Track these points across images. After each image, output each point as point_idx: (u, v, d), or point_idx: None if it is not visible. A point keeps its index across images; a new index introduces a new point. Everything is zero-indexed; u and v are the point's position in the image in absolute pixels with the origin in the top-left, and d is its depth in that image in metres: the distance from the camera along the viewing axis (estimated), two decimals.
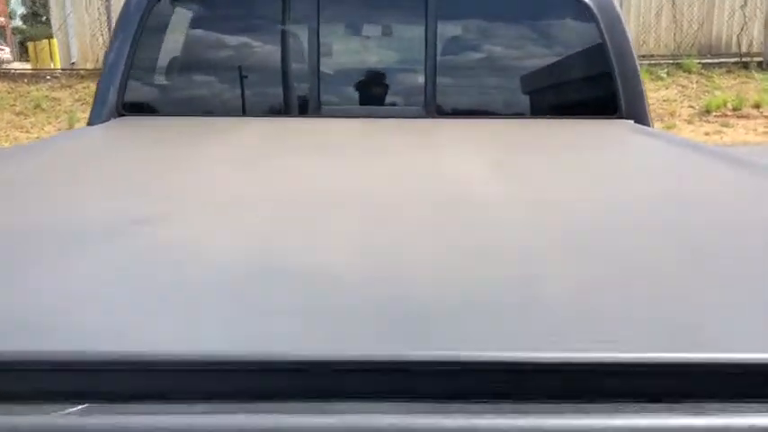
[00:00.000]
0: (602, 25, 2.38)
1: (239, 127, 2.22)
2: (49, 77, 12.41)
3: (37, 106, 11.33)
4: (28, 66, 14.20)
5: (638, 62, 2.49)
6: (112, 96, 2.43)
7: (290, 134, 2.10)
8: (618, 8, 2.47)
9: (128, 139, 2.24)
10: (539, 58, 2.46)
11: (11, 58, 18.95)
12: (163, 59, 2.50)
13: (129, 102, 2.43)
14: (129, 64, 2.42)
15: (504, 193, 1.37)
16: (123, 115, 2.43)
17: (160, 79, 2.54)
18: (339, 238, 1.05)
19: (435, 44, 2.35)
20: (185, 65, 2.52)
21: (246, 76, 2.49)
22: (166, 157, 1.77)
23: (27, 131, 10.67)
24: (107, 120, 2.42)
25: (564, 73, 2.45)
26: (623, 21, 2.47)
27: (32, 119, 11.12)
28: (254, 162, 1.67)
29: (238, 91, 2.50)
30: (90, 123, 2.48)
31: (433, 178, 1.48)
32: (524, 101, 2.47)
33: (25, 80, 12.65)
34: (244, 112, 2.45)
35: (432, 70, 2.36)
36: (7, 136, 10.50)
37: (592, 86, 2.45)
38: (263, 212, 1.23)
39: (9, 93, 11.94)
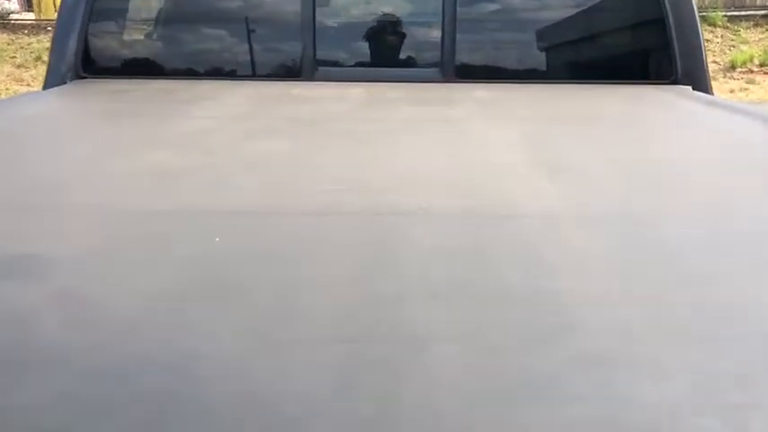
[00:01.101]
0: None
1: (216, 93, 1.83)
2: (50, 28, 11.94)
3: (38, 58, 10.89)
4: (32, 16, 13.63)
5: (700, 26, 2.07)
6: (64, 62, 2.04)
7: (274, 105, 1.71)
8: None
9: (82, 109, 1.86)
10: (585, 17, 2.03)
11: (18, 8, 18.36)
12: (132, 8, 2.09)
13: (85, 66, 2.04)
14: (89, 11, 2.02)
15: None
16: (84, 77, 2.04)
17: (129, 32, 2.14)
18: None
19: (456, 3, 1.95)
20: (160, 16, 2.12)
21: (229, 31, 2.08)
22: (118, 140, 1.40)
23: (28, 84, 10.29)
24: (63, 83, 2.04)
25: (614, 34, 2.05)
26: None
27: (33, 71, 10.71)
28: (219, 149, 1.29)
29: (218, 48, 2.09)
30: (45, 87, 2.10)
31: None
32: (568, 65, 2.07)
33: (26, 31, 12.20)
34: (225, 74, 2.06)
35: (451, 24, 1.95)
36: (7, 90, 10.13)
37: (646, 49, 2.05)
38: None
39: (9, 44, 11.51)
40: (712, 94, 2.12)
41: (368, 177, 1.09)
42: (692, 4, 2.08)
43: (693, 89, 2.04)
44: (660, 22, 2.01)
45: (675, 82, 2.03)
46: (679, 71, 2.04)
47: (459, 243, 0.83)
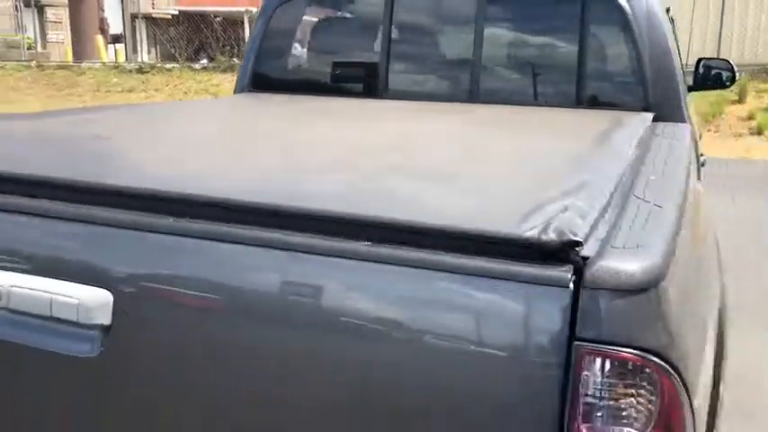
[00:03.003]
0: (636, 30, 2.61)
1: (322, 103, 2.84)
2: None
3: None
4: None
5: (676, 63, 2.66)
6: (244, 81, 3.22)
7: (358, 111, 2.66)
8: (659, 11, 2.67)
9: (248, 104, 2.99)
10: (574, 57, 2.74)
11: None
12: (279, 52, 3.21)
13: (254, 83, 3.20)
14: (257, 56, 3.18)
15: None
16: (252, 91, 3.20)
17: (277, 66, 3.25)
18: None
19: (482, 44, 2.78)
20: (291, 61, 3.22)
21: (339, 68, 3.11)
22: (263, 115, 2.52)
23: None
24: (242, 92, 3.21)
25: (595, 67, 2.71)
26: (663, 25, 2.66)
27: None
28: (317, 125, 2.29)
29: (333, 77, 3.12)
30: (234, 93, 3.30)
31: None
32: (556, 93, 2.77)
33: None
34: (335, 93, 3.07)
35: (478, 65, 2.79)
36: None
37: (623, 81, 2.68)
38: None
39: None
40: (687, 122, 2.66)
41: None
42: (667, 42, 2.66)
43: (666, 119, 2.62)
44: (636, 59, 2.63)
45: (648, 110, 2.63)
46: (651, 101, 2.64)
47: None
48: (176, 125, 2.23)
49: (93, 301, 1.19)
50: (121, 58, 21.26)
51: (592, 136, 2.01)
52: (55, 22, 26.66)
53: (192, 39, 20.52)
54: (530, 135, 2.16)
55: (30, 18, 24.52)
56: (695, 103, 13.27)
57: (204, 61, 18.94)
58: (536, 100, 2.78)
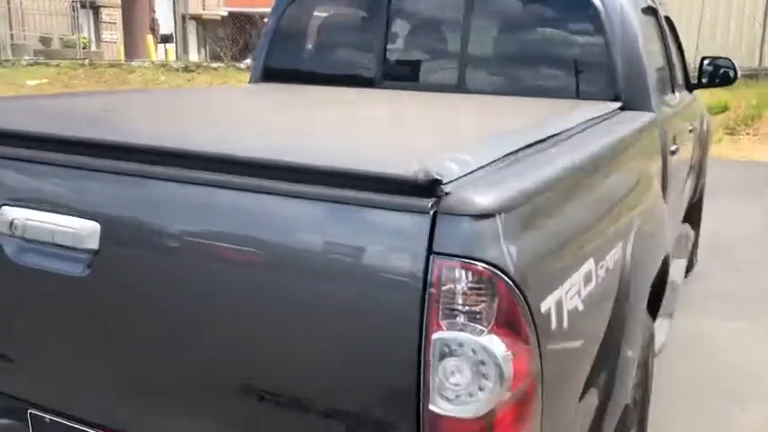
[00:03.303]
0: (608, 28, 2.85)
1: (320, 92, 3.16)
2: None
3: None
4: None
5: (645, 58, 2.89)
6: (257, 73, 3.55)
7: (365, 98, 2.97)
8: (631, 11, 2.90)
9: (265, 92, 3.34)
10: (553, 51, 3.00)
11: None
12: (288, 47, 3.54)
13: (266, 75, 3.53)
14: (268, 50, 3.51)
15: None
16: (263, 81, 3.53)
17: (286, 60, 3.57)
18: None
19: (468, 41, 3.06)
20: (298, 54, 3.54)
21: (340, 61, 3.42)
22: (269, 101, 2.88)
23: None
24: (256, 82, 3.54)
25: (569, 59, 2.96)
26: (634, 23, 2.89)
27: None
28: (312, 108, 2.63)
29: (335, 70, 3.43)
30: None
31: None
32: (533, 85, 3.02)
33: None
34: (336, 83, 3.37)
35: (464, 60, 3.07)
36: None
37: (595, 72, 2.92)
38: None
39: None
40: (652, 111, 2.87)
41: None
42: (637, 39, 2.87)
43: (634, 108, 2.85)
44: (607, 55, 2.87)
45: (617, 100, 2.87)
46: (621, 92, 2.88)
47: None
48: (179, 103, 2.57)
49: (85, 230, 1.51)
50: (171, 58, 21.93)
51: (537, 116, 2.28)
52: (109, 22, 27.59)
53: (237, 39, 21.08)
54: (479, 115, 2.43)
55: (86, 18, 25.44)
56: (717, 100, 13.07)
57: (248, 61, 19.57)
58: (514, 90, 3.03)
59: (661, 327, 3.23)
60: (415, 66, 3.25)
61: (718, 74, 4.69)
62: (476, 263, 1.21)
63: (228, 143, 1.49)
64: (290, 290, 1.34)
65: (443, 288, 1.21)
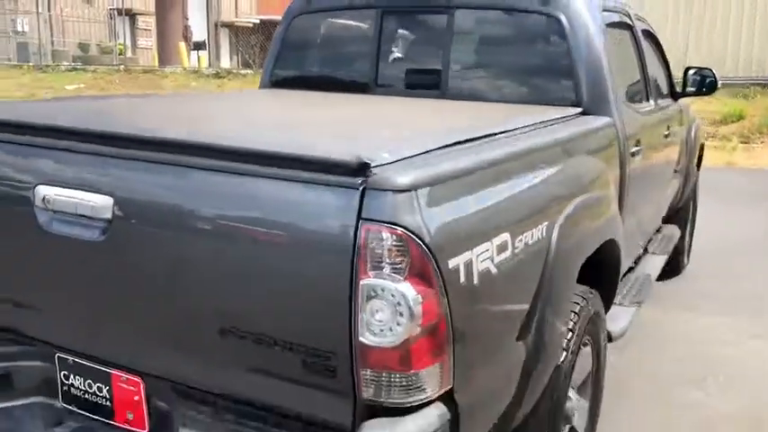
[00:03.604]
0: (572, 42, 3.20)
1: (319, 96, 3.55)
2: None
3: None
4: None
5: (606, 69, 3.22)
6: (266, 79, 3.96)
7: (349, 101, 3.36)
8: (593, 26, 3.24)
9: (266, 95, 3.76)
10: (523, 62, 3.36)
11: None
12: (294, 57, 3.94)
13: (273, 81, 3.94)
14: (272, 66, 3.93)
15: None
16: (270, 87, 3.94)
17: (292, 67, 3.97)
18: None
19: (449, 54, 3.44)
20: (303, 62, 3.94)
21: (339, 69, 3.82)
22: (267, 104, 3.29)
23: None
24: (263, 88, 3.96)
25: (536, 68, 3.32)
26: (596, 38, 3.23)
27: None
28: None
29: (335, 77, 3.82)
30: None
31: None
32: (505, 92, 3.38)
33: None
34: (335, 89, 3.76)
35: (446, 70, 3.44)
36: None
37: (558, 83, 3.27)
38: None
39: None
40: (610, 117, 3.20)
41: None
42: (599, 52, 3.19)
43: (594, 113, 3.19)
44: (570, 66, 3.21)
45: (578, 106, 3.21)
46: (584, 99, 3.21)
47: None
48: (188, 105, 2.98)
49: (101, 204, 1.91)
50: (204, 64, 22.57)
51: (488, 119, 2.64)
52: (144, 29, 28.42)
53: (265, 46, 21.64)
54: (439, 116, 2.81)
55: (122, 26, 26.24)
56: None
57: None
58: (489, 97, 3.39)
59: (623, 313, 3.56)
60: (402, 74, 3.63)
61: (702, 83, 4.99)
62: (394, 227, 1.57)
63: (211, 135, 1.88)
64: (258, 248, 1.72)
65: (369, 246, 1.58)
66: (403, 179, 1.60)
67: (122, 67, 20.83)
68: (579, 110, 3.14)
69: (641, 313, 5.15)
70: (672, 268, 5.79)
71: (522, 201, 2.05)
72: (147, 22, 27.37)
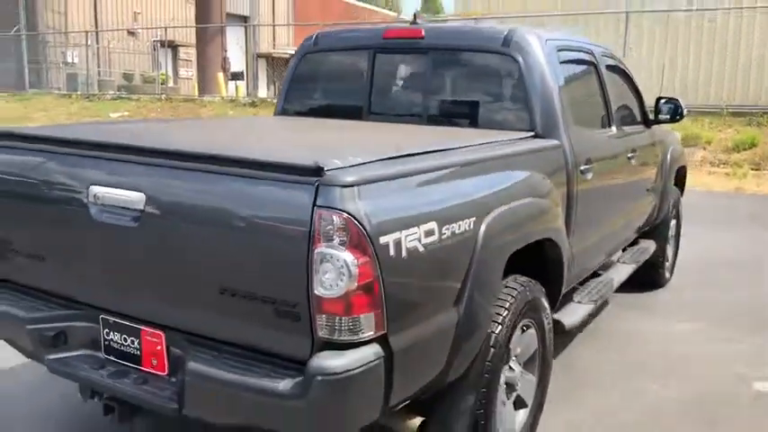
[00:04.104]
0: (526, 77, 3.85)
1: (319, 122, 4.25)
2: None
3: None
4: None
5: (555, 95, 3.86)
6: (279, 107, 4.69)
7: (338, 126, 4.06)
8: (545, 62, 3.89)
9: (273, 120, 4.50)
10: (487, 93, 4.02)
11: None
12: (302, 89, 4.67)
13: (285, 109, 4.67)
14: (284, 96, 4.67)
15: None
16: (282, 114, 4.66)
17: (300, 98, 4.70)
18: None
19: (429, 88, 4.13)
20: (310, 93, 4.66)
21: (335, 99, 4.52)
22: (273, 126, 4.02)
23: None
24: (277, 115, 4.69)
25: (501, 104, 3.99)
26: (546, 72, 3.87)
27: None
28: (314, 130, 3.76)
29: (335, 106, 4.53)
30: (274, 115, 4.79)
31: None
32: (470, 119, 4.04)
33: None
34: (335, 116, 4.46)
35: (427, 101, 4.13)
36: None
37: (515, 112, 3.92)
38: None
39: None
40: (558, 140, 3.82)
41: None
42: (549, 84, 3.83)
43: (544, 137, 3.81)
44: (525, 97, 3.86)
45: (532, 130, 3.84)
46: (537, 125, 3.85)
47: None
48: (208, 127, 3.70)
49: (136, 198, 2.60)
50: (242, 94, 23.62)
51: (442, 140, 3.30)
52: (186, 60, 29.73)
53: None
54: (402, 137, 3.50)
55: (164, 57, 27.54)
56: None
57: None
58: (459, 123, 4.06)
59: (579, 309, 4.16)
60: (390, 104, 4.32)
61: (674, 111, 5.58)
62: (340, 212, 2.23)
63: (214, 148, 2.58)
64: (245, 227, 2.40)
65: (322, 225, 2.24)
66: (346, 179, 2.26)
67: (164, 96, 21.96)
68: (532, 133, 3.78)
69: (623, 316, 5.74)
70: (653, 281, 6.35)
71: (449, 199, 2.69)
72: (189, 53, 28.66)
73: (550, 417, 3.77)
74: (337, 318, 2.27)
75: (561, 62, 4.07)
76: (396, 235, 2.37)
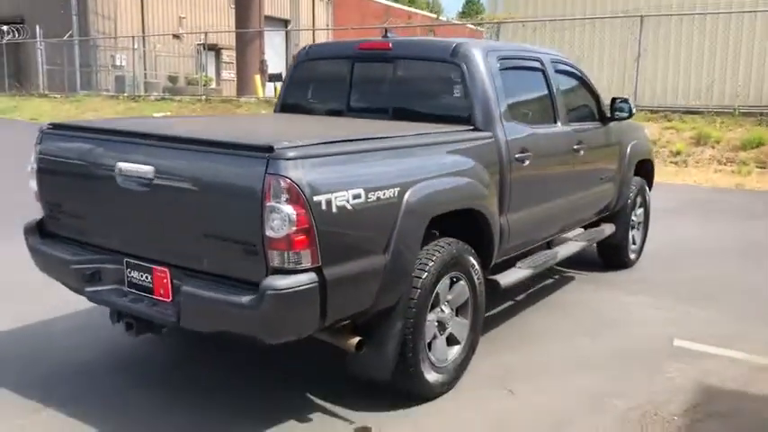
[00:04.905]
0: (468, 80, 4.76)
1: (308, 118, 5.23)
2: None
3: None
4: None
5: (492, 96, 4.75)
6: (278, 106, 5.69)
7: (328, 121, 5.04)
8: (485, 70, 4.79)
9: (269, 116, 5.52)
10: (437, 93, 4.96)
11: None
12: (298, 91, 5.66)
13: (282, 107, 5.67)
14: (283, 96, 5.65)
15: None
16: (280, 112, 5.66)
17: (296, 98, 5.69)
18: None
19: (395, 90, 5.08)
20: (303, 94, 5.65)
21: (325, 100, 5.49)
22: (267, 120, 5.03)
23: None
24: (276, 112, 5.69)
25: (446, 103, 4.91)
26: (485, 77, 4.77)
27: None
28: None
29: (322, 105, 5.50)
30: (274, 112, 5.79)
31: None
32: (423, 115, 4.95)
33: None
34: (323, 113, 5.43)
35: (392, 102, 5.08)
36: None
37: (460, 109, 4.83)
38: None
39: None
40: (491, 132, 4.72)
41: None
42: (486, 87, 4.73)
43: (482, 130, 4.72)
44: (465, 96, 4.75)
45: (471, 124, 4.75)
46: (476, 120, 4.75)
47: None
48: (215, 120, 4.70)
49: (148, 170, 3.61)
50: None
51: (389, 129, 4.24)
52: (228, 62, 31.11)
53: None
54: (355, 127, 4.45)
55: (208, 59, 28.91)
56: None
57: None
58: (414, 119, 4.97)
59: (516, 273, 5.05)
60: (364, 103, 5.28)
61: (628, 109, 6.41)
62: (284, 178, 3.19)
63: (203, 134, 3.57)
64: (218, 189, 3.39)
65: (271, 186, 3.20)
66: (290, 154, 3.23)
67: (204, 97, 23.23)
68: (471, 127, 4.69)
69: (581, 289, 6.58)
70: (620, 262, 7.16)
71: (375, 173, 3.62)
72: (231, 56, 30.02)
73: (492, 359, 4.70)
74: (284, 252, 3.23)
75: (502, 69, 4.96)
76: (327, 196, 3.32)
